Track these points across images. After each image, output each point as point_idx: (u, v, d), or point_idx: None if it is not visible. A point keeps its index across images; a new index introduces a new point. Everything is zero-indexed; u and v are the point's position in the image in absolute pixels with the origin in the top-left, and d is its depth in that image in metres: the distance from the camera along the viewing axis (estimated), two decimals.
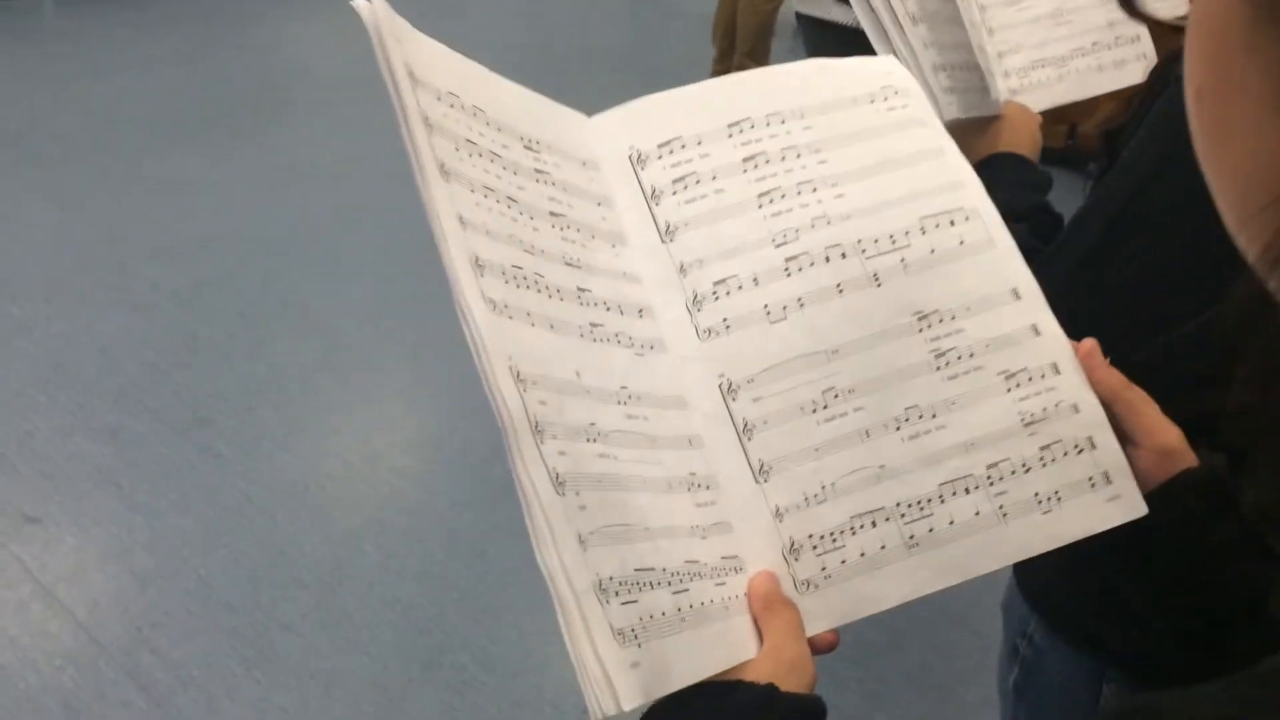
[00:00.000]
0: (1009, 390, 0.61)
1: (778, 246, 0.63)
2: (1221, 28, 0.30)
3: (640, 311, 0.61)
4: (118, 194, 3.89)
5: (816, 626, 0.56)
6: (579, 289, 0.58)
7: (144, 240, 3.56)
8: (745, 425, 0.59)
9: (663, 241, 0.63)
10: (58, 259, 3.43)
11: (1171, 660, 0.65)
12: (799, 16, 3.95)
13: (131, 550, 2.30)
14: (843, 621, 0.57)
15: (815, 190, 0.64)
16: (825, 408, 0.59)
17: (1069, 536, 0.59)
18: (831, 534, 0.58)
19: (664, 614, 0.51)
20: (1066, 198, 0.87)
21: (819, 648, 0.56)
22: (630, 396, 0.57)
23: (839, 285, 0.62)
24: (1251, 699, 0.31)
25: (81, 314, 3.14)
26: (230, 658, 2.06)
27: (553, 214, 0.60)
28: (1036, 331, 0.62)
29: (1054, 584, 0.91)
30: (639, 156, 0.65)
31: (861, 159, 0.66)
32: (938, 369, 0.61)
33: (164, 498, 2.46)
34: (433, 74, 0.56)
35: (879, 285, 0.62)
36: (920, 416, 0.60)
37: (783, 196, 0.64)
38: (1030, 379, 0.61)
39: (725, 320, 0.61)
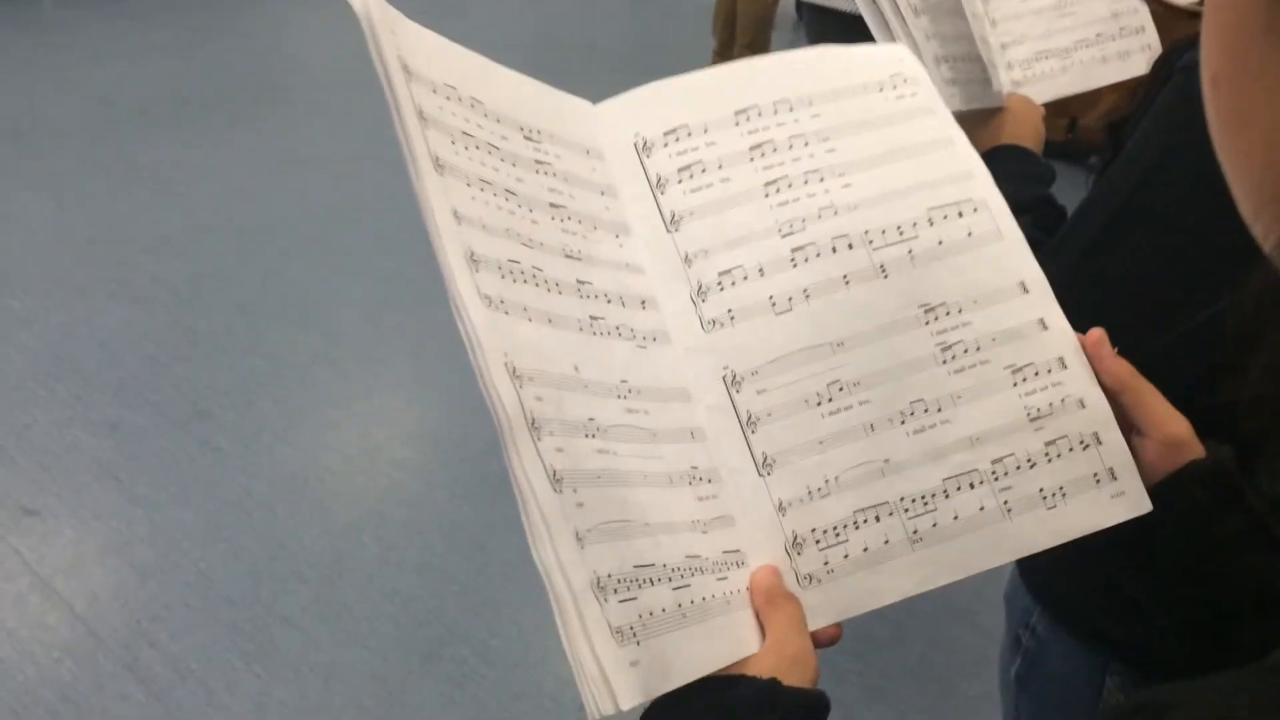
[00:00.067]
0: (1015, 385, 0.60)
1: (784, 237, 0.62)
2: (1239, 14, 0.30)
3: (643, 303, 0.60)
4: (116, 186, 3.89)
5: (819, 621, 0.56)
6: (579, 281, 0.58)
7: (143, 233, 3.56)
8: (749, 418, 0.59)
9: (668, 231, 0.62)
10: (57, 252, 3.42)
11: (1175, 655, 0.65)
12: (799, 5, 3.94)
13: (131, 543, 2.30)
14: (845, 616, 0.57)
15: (823, 180, 0.63)
16: (830, 401, 0.59)
17: (1073, 532, 0.59)
18: (835, 528, 0.57)
19: (664, 610, 0.51)
20: (1067, 191, 0.87)
21: (821, 642, 0.56)
22: (631, 390, 0.56)
23: (845, 277, 0.61)
24: (1260, 692, 0.31)
25: (81, 307, 3.14)
26: (230, 651, 2.06)
27: (553, 205, 0.59)
28: (1044, 326, 0.62)
29: (1058, 576, 0.91)
30: (644, 144, 0.65)
31: (870, 148, 0.65)
32: (944, 362, 0.60)
33: (163, 491, 2.45)
34: (429, 66, 0.56)
35: (886, 277, 0.61)
36: (925, 410, 0.59)
37: (790, 186, 0.63)
38: (1037, 374, 0.60)
39: (730, 311, 0.60)
